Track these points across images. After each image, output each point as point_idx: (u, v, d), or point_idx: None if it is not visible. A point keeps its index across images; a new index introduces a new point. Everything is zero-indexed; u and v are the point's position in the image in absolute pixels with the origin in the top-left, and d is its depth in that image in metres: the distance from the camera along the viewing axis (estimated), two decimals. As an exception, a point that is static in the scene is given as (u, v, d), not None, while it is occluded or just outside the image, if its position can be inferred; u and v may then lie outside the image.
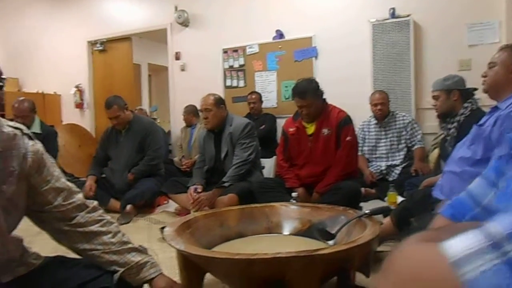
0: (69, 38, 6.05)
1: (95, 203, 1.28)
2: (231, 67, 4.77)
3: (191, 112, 4.64)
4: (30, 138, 1.20)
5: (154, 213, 3.41)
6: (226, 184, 2.87)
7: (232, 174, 2.91)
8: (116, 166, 3.51)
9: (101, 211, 1.27)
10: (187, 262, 1.37)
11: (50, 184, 1.19)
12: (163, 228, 2.57)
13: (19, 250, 1.17)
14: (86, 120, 5.99)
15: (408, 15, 3.75)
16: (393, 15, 3.80)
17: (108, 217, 1.27)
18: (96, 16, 5.86)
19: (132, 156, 3.46)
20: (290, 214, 1.88)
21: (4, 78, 1.03)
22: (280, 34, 4.45)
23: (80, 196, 1.25)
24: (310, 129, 2.75)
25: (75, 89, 5.98)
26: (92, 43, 5.98)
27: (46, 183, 1.18)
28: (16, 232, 1.19)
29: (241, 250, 1.29)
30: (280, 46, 4.46)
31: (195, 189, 2.95)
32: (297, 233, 1.80)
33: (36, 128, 3.69)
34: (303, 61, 4.33)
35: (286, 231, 1.83)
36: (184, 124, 4.79)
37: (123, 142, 3.52)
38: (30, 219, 1.23)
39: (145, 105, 7.89)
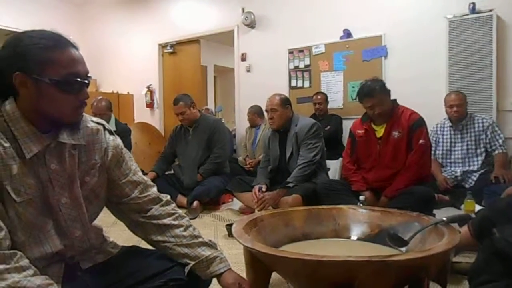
0: (142, 41, 6.39)
1: (168, 197, 1.33)
2: (296, 67, 4.74)
3: (255, 113, 4.69)
4: (111, 133, 1.27)
5: (219, 210, 3.49)
6: (290, 185, 2.85)
7: (296, 175, 2.89)
8: (184, 164, 3.64)
9: (173, 205, 1.31)
10: (254, 259, 1.37)
11: (128, 178, 1.24)
12: (228, 225, 2.63)
13: (99, 238, 1.24)
14: (155, 119, 6.29)
15: (490, 10, 3.47)
16: (473, 10, 3.53)
17: (180, 211, 1.31)
18: (167, 20, 6.12)
19: (200, 154, 3.57)
20: (358, 218, 1.81)
21: (90, 77, 1.09)
22: (347, 34, 4.34)
23: (154, 190, 1.30)
24: (380, 131, 2.64)
25: (146, 89, 6.30)
26: (162, 46, 6.26)
27: (124, 176, 1.24)
28: (95, 222, 1.26)
29: (309, 252, 1.26)
30: (347, 46, 4.35)
31: (260, 188, 2.97)
32: (366, 237, 1.73)
33: (112, 126, 3.93)
34: (371, 61, 4.19)
35: (354, 235, 1.77)
36: (248, 124, 4.85)
37: (191, 140, 3.63)
38: (109, 210, 1.29)
39: (211, 106, 8.11)
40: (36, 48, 1.00)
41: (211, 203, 3.51)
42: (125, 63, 6.56)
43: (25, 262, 0.94)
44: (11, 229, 0.97)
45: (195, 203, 3.29)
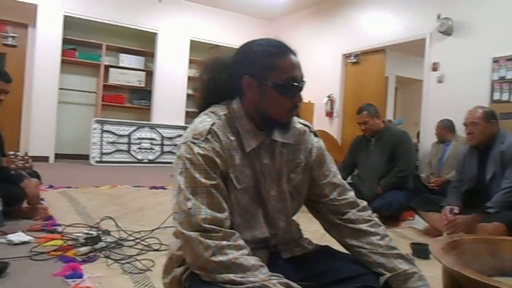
0: (326, 52, 6.57)
1: (365, 203, 1.32)
2: (502, 78, 4.13)
3: (445, 127, 4.27)
4: (316, 135, 1.33)
5: (399, 227, 3.28)
6: (490, 210, 2.48)
7: (499, 200, 2.49)
8: (364, 174, 3.56)
9: (370, 212, 1.29)
10: (456, 285, 1.23)
11: (328, 179, 1.27)
12: (414, 244, 2.46)
13: (298, 233, 1.31)
14: (334, 128, 6.38)
15: None
16: None
17: (376, 219, 1.28)
18: (352, 31, 6.15)
19: (381, 166, 3.44)
20: None
21: (304, 81, 1.16)
22: None
23: (352, 194, 1.30)
24: None
25: (327, 98, 6.45)
26: (346, 56, 6.32)
27: (325, 177, 1.27)
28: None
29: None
30: None
31: (451, 209, 2.68)
32: None
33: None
34: None
35: None
36: (435, 140, 4.45)
37: (373, 151, 3.54)
38: (307, 208, 1.34)
39: (390, 118, 7.80)
40: (263, 54, 1.12)
41: (390, 219, 3.34)
42: (308, 73, 6.66)
43: (242, 241, 1.04)
44: (230, 211, 1.10)
45: (375, 215, 3.17)
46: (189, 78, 7.50)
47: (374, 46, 5.80)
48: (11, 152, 2.54)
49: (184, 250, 1.06)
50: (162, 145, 7.17)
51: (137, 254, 2.11)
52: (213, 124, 1.11)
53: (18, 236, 2.23)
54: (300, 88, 1.14)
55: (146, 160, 7.01)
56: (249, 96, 1.14)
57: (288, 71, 1.11)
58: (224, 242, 1.00)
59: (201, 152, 1.06)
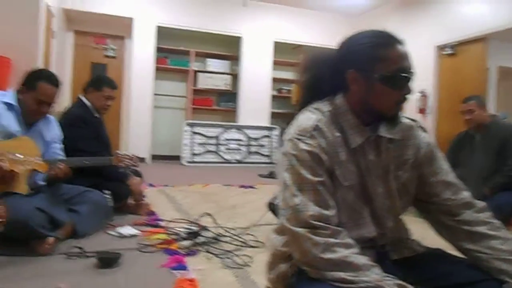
0: (417, 44, 6.17)
1: (483, 203, 1.20)
2: None
3: None
4: (424, 130, 1.25)
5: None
6: None
7: None
8: (467, 174, 3.25)
9: (489, 213, 1.18)
10: None
11: (439, 177, 1.19)
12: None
13: (406, 233, 1.24)
14: (427, 125, 5.92)
15: None
16: None
17: (496, 221, 1.16)
18: (446, 20, 5.73)
19: (488, 165, 3.13)
20: None
21: (413, 72, 1.10)
22: None
23: (467, 193, 1.20)
24: None
25: (420, 94, 6.08)
26: (440, 48, 5.90)
27: (436, 175, 1.19)
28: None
29: None
30: None
31: None
32: None
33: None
34: None
35: None
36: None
37: (477, 148, 3.24)
38: (416, 208, 1.27)
39: (493, 112, 7.10)
40: (368, 46, 1.08)
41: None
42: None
43: (350, 240, 1.01)
44: (337, 209, 1.07)
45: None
46: (274, 79, 7.59)
47: (474, 35, 5.32)
48: (119, 152, 2.77)
49: (291, 246, 1.05)
50: (248, 145, 7.35)
51: (235, 250, 2.18)
52: (318, 120, 1.10)
53: (127, 230, 2.44)
54: (409, 79, 1.09)
55: (233, 161, 7.24)
56: (354, 90, 1.10)
57: (396, 62, 1.06)
58: (332, 240, 0.98)
59: (306, 148, 1.05)
